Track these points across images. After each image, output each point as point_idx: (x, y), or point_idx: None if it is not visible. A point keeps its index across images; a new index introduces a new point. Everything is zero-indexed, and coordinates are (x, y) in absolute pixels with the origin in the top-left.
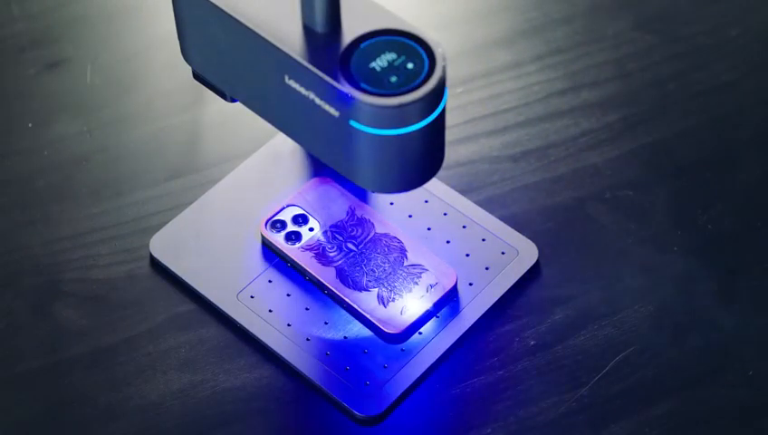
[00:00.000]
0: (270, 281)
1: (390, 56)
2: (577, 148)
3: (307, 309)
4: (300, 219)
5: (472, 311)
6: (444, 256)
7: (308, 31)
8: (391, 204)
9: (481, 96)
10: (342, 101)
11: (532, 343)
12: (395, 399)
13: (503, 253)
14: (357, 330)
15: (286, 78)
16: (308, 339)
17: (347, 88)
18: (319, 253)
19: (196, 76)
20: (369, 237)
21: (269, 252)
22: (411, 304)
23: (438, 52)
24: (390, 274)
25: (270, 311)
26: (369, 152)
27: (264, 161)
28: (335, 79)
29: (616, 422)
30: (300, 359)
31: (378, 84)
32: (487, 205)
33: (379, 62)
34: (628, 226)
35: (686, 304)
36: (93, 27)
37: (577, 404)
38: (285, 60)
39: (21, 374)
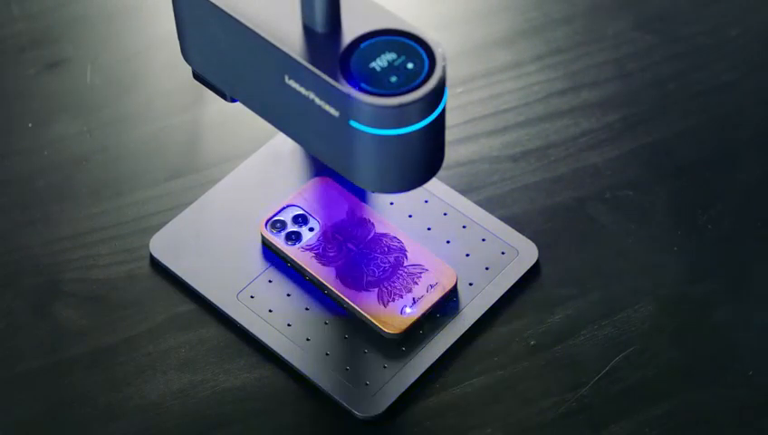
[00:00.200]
0: (270, 281)
1: (390, 56)
2: (577, 148)
3: (307, 309)
4: (300, 219)
5: (472, 311)
6: (444, 256)
7: (308, 31)
8: (391, 204)
9: (481, 96)
10: (342, 101)
11: (532, 342)
12: (395, 399)
13: (503, 253)
14: (357, 330)
15: (286, 78)
16: (308, 339)
17: (347, 88)
18: (319, 253)
19: (196, 76)
20: (369, 237)
21: (269, 252)
22: (411, 304)
23: (438, 52)
24: (390, 274)
25: (270, 311)
26: (368, 152)
27: (264, 161)
28: (335, 79)
29: (616, 422)
30: (300, 359)
31: (378, 84)
32: (487, 205)
33: (379, 62)
34: (628, 226)
35: (685, 304)
36: (93, 27)
37: (577, 404)
38: (285, 60)
39: (21, 374)
